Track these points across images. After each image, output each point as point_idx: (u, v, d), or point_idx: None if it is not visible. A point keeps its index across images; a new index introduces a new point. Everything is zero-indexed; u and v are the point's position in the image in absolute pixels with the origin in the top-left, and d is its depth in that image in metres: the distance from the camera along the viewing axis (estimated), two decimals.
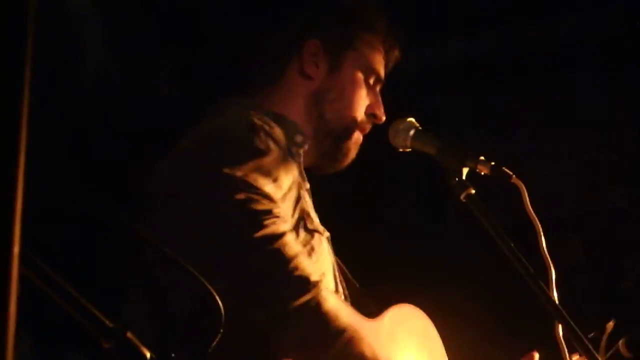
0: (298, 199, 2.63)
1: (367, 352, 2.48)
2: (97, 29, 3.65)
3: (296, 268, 2.41)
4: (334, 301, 2.46)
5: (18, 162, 1.05)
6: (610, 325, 2.86)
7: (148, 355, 1.56)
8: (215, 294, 1.77)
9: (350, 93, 2.87)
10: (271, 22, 2.95)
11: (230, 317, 2.27)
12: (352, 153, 2.92)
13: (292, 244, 2.44)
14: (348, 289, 2.89)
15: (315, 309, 2.41)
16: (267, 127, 2.63)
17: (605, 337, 2.87)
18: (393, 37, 2.96)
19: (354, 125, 2.88)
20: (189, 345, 2.40)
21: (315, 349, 2.43)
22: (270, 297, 2.40)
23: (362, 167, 2.98)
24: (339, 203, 3.27)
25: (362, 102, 2.90)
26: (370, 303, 2.86)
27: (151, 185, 2.62)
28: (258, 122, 2.62)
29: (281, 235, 2.42)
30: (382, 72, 2.95)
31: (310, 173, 2.86)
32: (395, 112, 2.84)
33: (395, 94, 2.96)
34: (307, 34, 2.87)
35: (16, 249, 1.01)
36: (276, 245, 2.40)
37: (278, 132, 2.66)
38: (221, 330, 1.71)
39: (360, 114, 2.89)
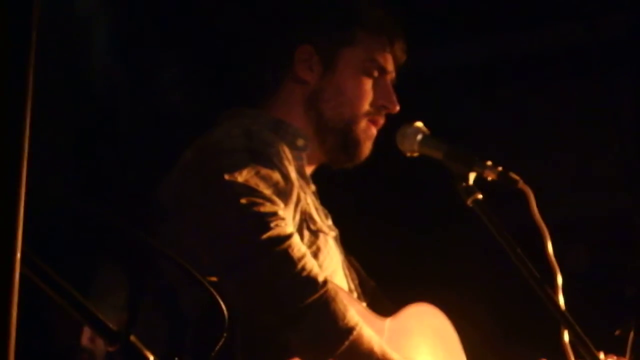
0: (298, 201, 2.64)
1: (377, 348, 2.49)
2: (103, 33, 3.65)
3: (304, 269, 2.42)
4: (343, 300, 2.47)
5: (21, 168, 1.05)
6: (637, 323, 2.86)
7: (151, 358, 1.56)
8: (219, 298, 1.76)
9: (347, 89, 2.87)
10: (261, 34, 2.96)
11: (240, 319, 2.29)
12: (365, 145, 2.91)
13: (299, 245, 2.46)
14: (363, 288, 2.90)
15: (324, 308, 2.42)
16: (263, 134, 2.65)
17: (631, 336, 2.87)
18: (392, 28, 2.96)
19: (355, 119, 2.87)
20: (200, 349, 2.41)
21: (324, 347, 2.44)
22: (279, 298, 2.42)
23: (372, 171, 2.99)
24: (347, 205, 3.26)
25: (364, 95, 2.88)
26: (386, 301, 2.87)
27: (158, 196, 2.66)
28: (253, 129, 2.66)
29: (288, 236, 2.43)
30: (386, 63, 2.93)
31: (328, 173, 2.87)
32: (403, 117, 2.84)
33: (403, 98, 2.96)
34: (297, 41, 2.88)
35: (18, 256, 1.01)
36: (283, 246, 2.41)
37: (273, 137, 2.69)
38: (225, 335, 1.71)
39: (362, 107, 2.88)
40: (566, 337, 2.49)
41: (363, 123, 2.88)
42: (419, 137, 2.75)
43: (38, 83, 1.16)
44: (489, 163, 2.60)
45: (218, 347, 1.69)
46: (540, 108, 4.94)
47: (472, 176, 2.60)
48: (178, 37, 3.91)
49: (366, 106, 2.88)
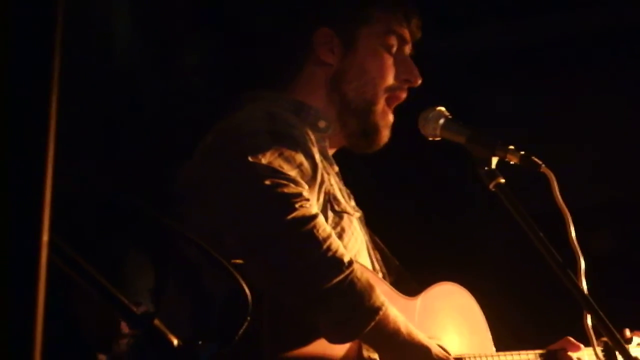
0: (322, 182, 2.64)
1: (402, 328, 2.50)
2: (125, 14, 3.66)
3: (329, 249, 2.42)
4: (368, 280, 2.47)
5: (47, 151, 1.06)
6: None
7: (175, 342, 1.56)
8: (242, 281, 1.77)
9: (370, 67, 2.89)
10: (281, 19, 2.97)
11: (266, 300, 2.29)
12: (383, 132, 2.92)
13: (324, 225, 2.46)
14: (388, 267, 2.91)
15: (350, 288, 2.43)
16: (285, 116, 2.66)
17: None
18: (407, 5, 2.96)
19: (376, 97, 2.89)
20: (225, 331, 2.42)
21: (351, 327, 2.45)
22: (305, 278, 2.43)
23: (396, 152, 2.99)
24: (371, 186, 3.27)
25: (386, 72, 2.90)
26: (410, 281, 2.87)
27: (180, 179, 2.67)
28: (275, 111, 2.66)
29: (313, 217, 2.44)
30: (405, 34, 2.94)
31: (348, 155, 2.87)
32: (426, 101, 2.83)
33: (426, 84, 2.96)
34: (316, 24, 2.89)
35: (45, 237, 1.02)
36: (308, 227, 2.42)
37: (295, 119, 2.70)
38: (248, 318, 1.71)
39: (384, 83, 2.90)
40: (589, 321, 2.49)
41: (381, 105, 2.89)
42: (441, 121, 2.75)
43: (63, 68, 1.16)
44: (512, 147, 2.59)
45: (241, 330, 1.70)
46: (563, 92, 4.92)
47: (494, 160, 2.59)
48: (202, 21, 3.91)
49: (390, 80, 2.90)
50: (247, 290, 1.75)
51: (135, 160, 3.71)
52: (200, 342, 1.59)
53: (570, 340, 2.86)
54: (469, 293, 2.92)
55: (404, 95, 2.94)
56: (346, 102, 2.88)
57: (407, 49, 2.95)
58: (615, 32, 4.80)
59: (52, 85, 1.09)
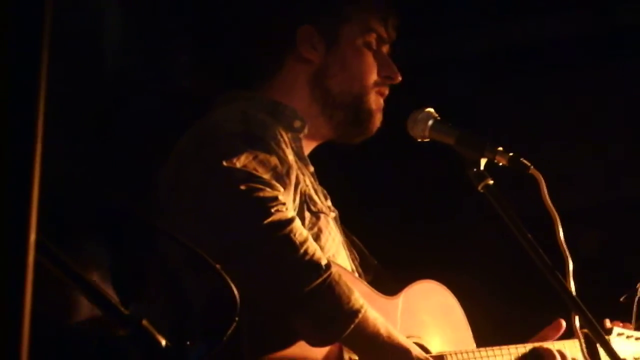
0: (297, 183, 2.64)
1: (382, 330, 2.50)
2: (116, 19, 3.66)
3: (306, 253, 2.42)
4: (347, 283, 2.47)
5: (34, 150, 1.06)
6: None
7: (163, 343, 1.56)
8: (231, 282, 1.77)
9: (353, 62, 2.90)
10: (262, 18, 2.97)
11: (245, 304, 2.29)
12: (376, 117, 2.92)
13: (301, 229, 2.46)
14: (365, 266, 2.91)
15: (328, 291, 2.43)
16: (259, 117, 2.66)
17: (637, 300, 2.89)
18: (384, 5, 2.98)
19: (364, 90, 2.90)
20: (206, 334, 2.41)
21: (330, 331, 2.45)
22: (283, 283, 2.43)
23: (380, 154, 3.00)
24: (345, 186, 3.27)
25: (369, 68, 2.91)
26: (389, 280, 2.87)
27: (159, 179, 2.67)
28: (249, 113, 2.65)
29: (289, 221, 2.43)
30: (382, 32, 2.95)
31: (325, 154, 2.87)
32: (414, 102, 2.84)
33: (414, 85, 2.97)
34: (298, 22, 2.89)
35: (32, 237, 1.02)
36: (285, 231, 2.41)
37: (269, 120, 2.70)
38: (237, 319, 1.71)
39: (369, 78, 2.91)
40: (577, 322, 2.49)
41: (372, 95, 2.89)
42: (430, 122, 2.75)
43: (50, 69, 1.16)
44: (500, 148, 2.60)
45: (229, 331, 1.70)
46: (553, 94, 4.93)
47: (483, 162, 2.60)
48: (186, 22, 3.91)
49: (373, 76, 2.90)
50: (235, 290, 1.75)
51: (124, 161, 3.70)
52: (188, 343, 1.59)
53: (560, 324, 2.85)
54: (448, 290, 2.92)
55: (386, 92, 2.95)
56: (331, 97, 2.88)
57: (385, 49, 2.96)
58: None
59: (39, 86, 1.09)
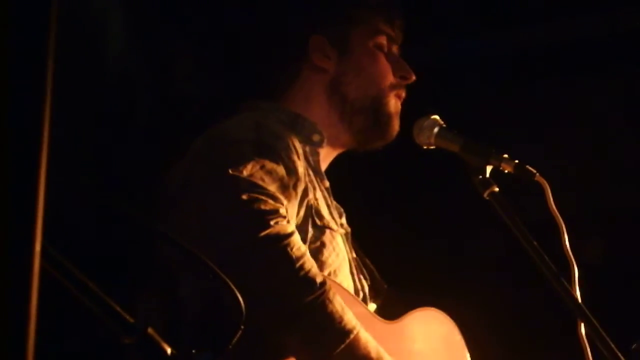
0: (304, 196, 2.62)
1: (373, 353, 2.47)
2: (119, 24, 3.66)
3: (302, 268, 2.40)
4: (341, 302, 2.45)
5: (40, 160, 1.05)
6: None
7: (169, 351, 1.56)
8: (235, 289, 1.76)
9: (368, 66, 2.90)
10: (273, 32, 2.98)
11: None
12: (395, 121, 2.91)
13: (299, 244, 2.44)
14: (375, 290, 2.89)
15: (321, 309, 2.40)
16: (273, 126, 2.65)
17: None
18: (391, 8, 2.98)
19: (382, 93, 2.89)
20: (202, 342, 2.40)
21: (320, 348, 2.42)
22: (274, 297, 2.40)
23: (385, 167, 2.99)
24: (362, 206, 3.26)
25: (384, 69, 2.91)
26: (398, 304, 2.85)
27: (165, 185, 2.66)
28: (264, 122, 2.65)
29: (287, 235, 2.41)
30: (391, 32, 2.95)
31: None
32: (420, 109, 2.83)
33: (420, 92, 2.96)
34: (308, 33, 2.90)
35: (38, 247, 1.01)
36: (281, 245, 2.39)
37: (284, 131, 2.68)
38: (242, 327, 1.71)
39: (386, 80, 2.90)
40: (582, 329, 2.48)
41: (390, 97, 2.89)
42: (436, 129, 2.75)
43: (55, 74, 1.16)
44: (506, 156, 2.59)
45: (235, 338, 1.69)
46: (555, 100, 4.93)
47: (488, 169, 2.59)
48: (196, 29, 3.91)
49: (390, 77, 2.90)
50: (240, 298, 1.74)
51: (127, 165, 3.70)
52: (194, 351, 1.59)
53: None
54: (450, 319, 2.88)
55: (404, 94, 2.94)
56: (349, 102, 2.87)
57: (395, 49, 2.96)
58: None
59: (45, 94, 1.08)
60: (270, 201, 2.44)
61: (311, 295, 2.39)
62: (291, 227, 2.46)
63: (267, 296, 2.39)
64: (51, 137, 1.11)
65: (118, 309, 1.54)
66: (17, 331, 1.05)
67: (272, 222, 2.39)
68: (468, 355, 2.91)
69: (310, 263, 2.43)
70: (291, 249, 2.40)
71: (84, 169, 3.55)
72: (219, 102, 3.02)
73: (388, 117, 2.90)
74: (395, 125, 2.92)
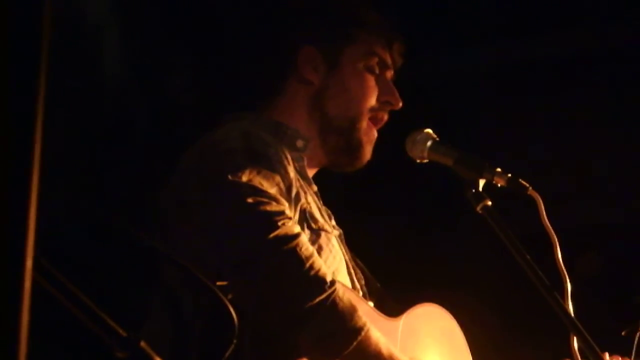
0: (297, 200, 2.64)
1: (384, 350, 2.49)
2: (114, 37, 3.67)
3: (312, 268, 2.42)
4: (350, 300, 2.47)
5: (32, 175, 1.05)
6: None
7: None
8: (228, 303, 1.76)
9: (352, 86, 2.89)
10: (264, 39, 2.97)
11: (249, 319, 2.28)
12: (366, 148, 2.91)
13: (307, 244, 2.46)
14: (369, 288, 2.90)
15: (331, 308, 2.42)
16: (261, 135, 2.66)
17: (638, 335, 2.87)
18: (390, 30, 2.97)
19: (360, 117, 2.89)
20: (205, 355, 2.40)
21: (332, 347, 2.44)
22: (286, 297, 2.42)
23: (374, 171, 2.99)
24: (349, 206, 3.27)
25: (368, 92, 2.90)
26: (392, 303, 2.86)
27: (161, 199, 2.66)
28: (251, 130, 2.66)
29: (295, 235, 2.44)
30: (387, 58, 2.95)
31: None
32: (413, 123, 2.84)
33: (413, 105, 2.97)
34: (299, 44, 2.89)
35: (29, 263, 1.01)
36: (291, 245, 2.41)
37: (271, 139, 2.70)
38: (235, 341, 1.71)
39: (367, 103, 2.89)
40: (575, 343, 2.49)
41: (365, 122, 2.89)
42: (429, 143, 2.76)
43: (49, 87, 1.16)
44: (499, 169, 2.60)
45: (228, 353, 1.69)
46: (551, 115, 4.94)
47: (481, 182, 2.60)
48: (188, 42, 3.92)
49: (372, 101, 2.90)
50: (233, 313, 1.75)
51: (122, 181, 3.70)
52: None
53: None
54: (450, 315, 2.92)
55: (385, 118, 2.94)
56: (328, 119, 2.88)
57: (389, 74, 2.96)
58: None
59: (37, 110, 1.09)
60: (274, 203, 2.46)
61: (322, 294, 2.41)
62: (297, 228, 2.48)
63: (280, 296, 2.41)
64: (46, 153, 1.11)
65: (111, 322, 1.54)
66: (9, 348, 1.05)
67: (279, 223, 2.42)
68: (468, 349, 2.93)
69: (319, 262, 2.45)
70: (300, 249, 2.42)
71: (81, 185, 3.55)
72: (208, 114, 3.01)
73: (358, 142, 2.89)
74: (367, 153, 2.91)
